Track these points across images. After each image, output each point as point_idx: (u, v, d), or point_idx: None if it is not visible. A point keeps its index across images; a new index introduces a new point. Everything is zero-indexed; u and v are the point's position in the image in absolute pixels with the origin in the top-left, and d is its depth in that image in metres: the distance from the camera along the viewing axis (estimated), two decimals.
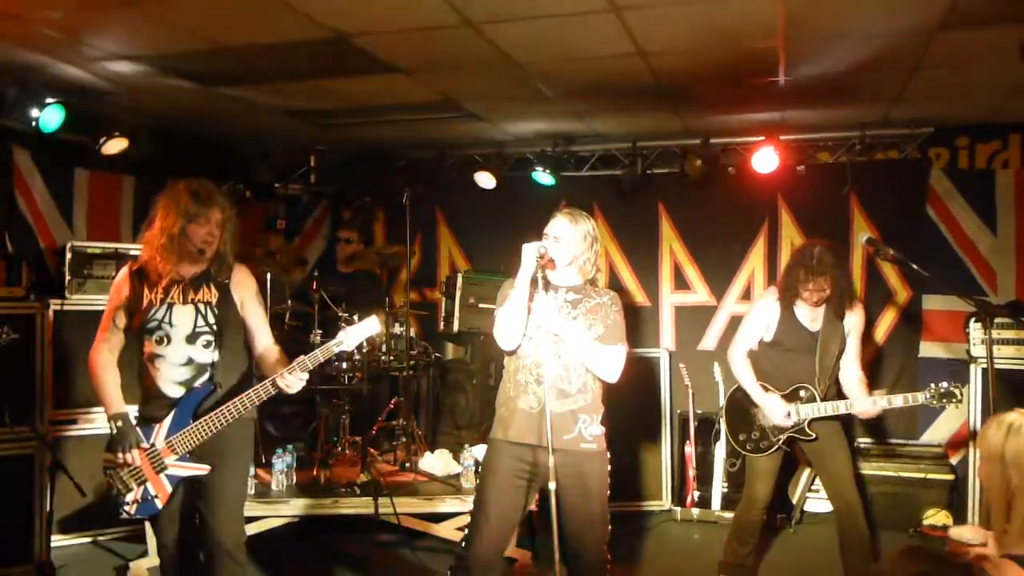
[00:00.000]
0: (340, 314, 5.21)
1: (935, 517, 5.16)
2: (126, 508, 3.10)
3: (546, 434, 2.89)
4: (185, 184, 3.17)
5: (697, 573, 4.54)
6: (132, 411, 3.19)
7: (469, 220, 6.70)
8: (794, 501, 5.40)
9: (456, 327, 5.86)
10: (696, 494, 5.56)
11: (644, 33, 3.79)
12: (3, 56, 4.08)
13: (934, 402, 3.78)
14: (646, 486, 5.73)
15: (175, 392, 3.13)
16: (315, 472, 4.83)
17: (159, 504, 3.10)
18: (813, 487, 5.39)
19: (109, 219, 5.75)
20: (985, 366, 4.64)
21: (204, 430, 3.06)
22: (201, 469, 3.10)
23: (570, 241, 3.19)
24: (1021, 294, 5.41)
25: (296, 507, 4.47)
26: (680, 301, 6.28)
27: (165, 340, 3.13)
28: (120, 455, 3.07)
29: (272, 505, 4.43)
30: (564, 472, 3.01)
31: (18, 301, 4.55)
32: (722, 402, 4.41)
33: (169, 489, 3.10)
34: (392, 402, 5.45)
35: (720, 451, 5.45)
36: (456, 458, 4.91)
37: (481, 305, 5.71)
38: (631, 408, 5.31)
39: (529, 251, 3.07)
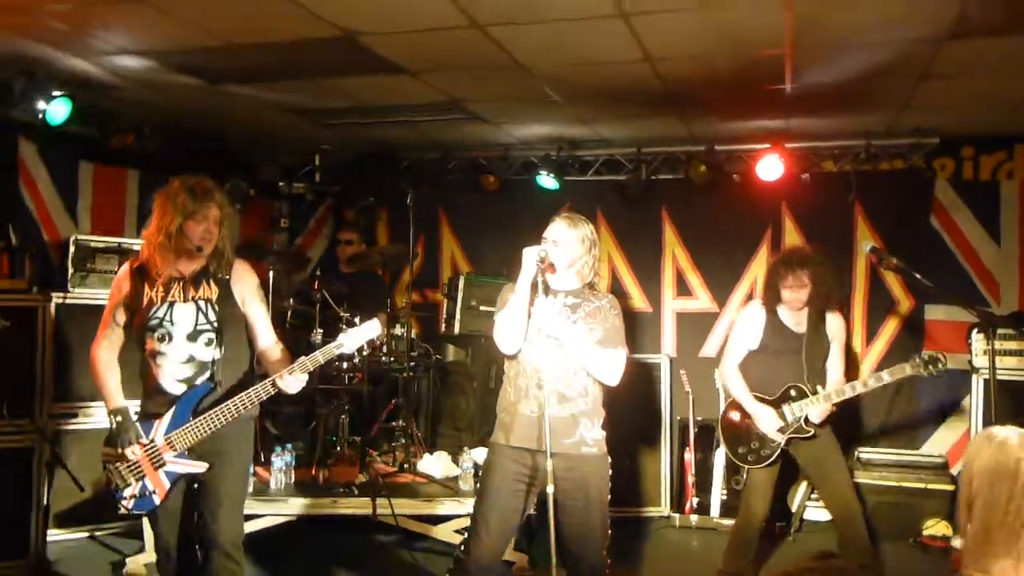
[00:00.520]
0: (342, 314, 5.20)
1: (935, 527, 5.14)
2: (124, 503, 3.10)
3: (546, 438, 2.89)
4: (181, 181, 3.16)
5: None
6: (133, 407, 3.18)
7: (472, 222, 6.70)
8: (793, 509, 5.39)
9: (457, 329, 5.86)
10: (695, 500, 5.55)
11: (651, 39, 3.79)
12: (11, 48, 4.09)
13: (920, 370, 3.81)
14: (645, 492, 5.71)
15: (176, 389, 3.12)
16: (314, 472, 4.82)
17: (157, 500, 3.09)
18: (812, 495, 5.37)
19: (113, 213, 5.76)
20: (987, 377, 4.63)
21: (204, 427, 3.06)
22: (200, 467, 3.09)
23: (568, 245, 3.19)
24: None
25: (294, 506, 4.46)
26: (682, 307, 6.27)
27: (167, 338, 3.12)
28: (119, 450, 3.07)
29: (270, 504, 4.42)
30: (565, 476, 3.01)
31: (21, 293, 4.54)
32: (721, 402, 4.40)
33: (167, 485, 3.09)
34: (392, 403, 5.44)
35: (720, 458, 5.44)
36: (455, 460, 4.91)
37: (483, 307, 5.70)
38: (631, 414, 5.29)
39: (530, 255, 3.08)
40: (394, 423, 5.36)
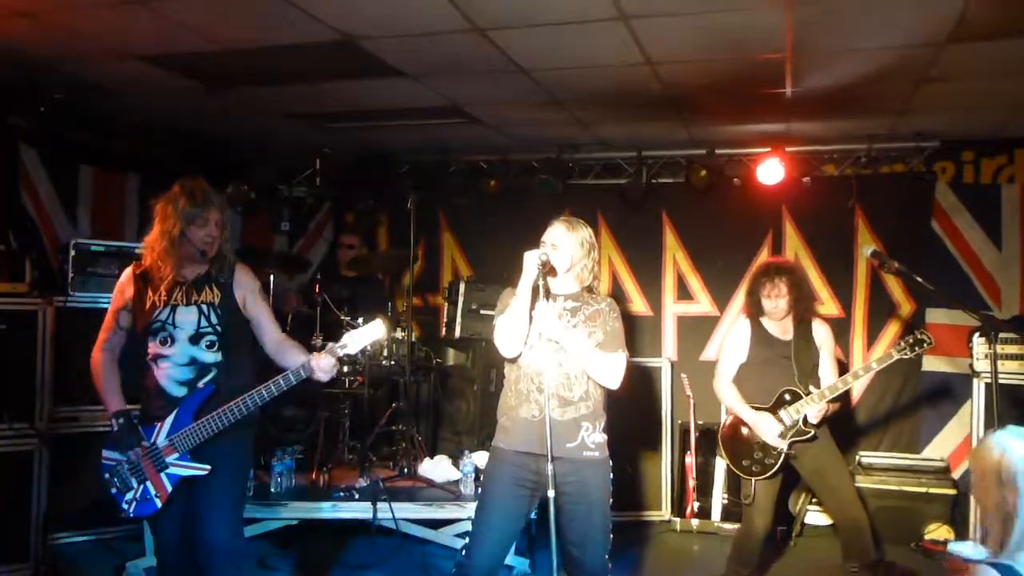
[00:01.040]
0: (342, 318, 5.20)
1: (937, 532, 5.13)
2: (125, 506, 3.09)
3: (547, 442, 2.88)
4: (180, 186, 3.17)
5: None
6: (134, 410, 3.17)
7: (472, 226, 6.70)
8: (794, 514, 5.38)
9: (458, 333, 5.85)
10: (696, 505, 5.54)
11: (652, 42, 3.80)
12: (11, 53, 4.09)
13: (907, 352, 3.88)
14: (646, 496, 5.70)
15: (178, 392, 3.12)
16: (314, 475, 4.81)
17: (158, 503, 3.08)
18: (814, 500, 5.36)
19: (113, 217, 5.77)
20: (988, 381, 4.62)
21: (205, 430, 3.05)
22: (201, 469, 3.08)
23: (568, 248, 3.19)
24: None
25: (294, 510, 4.45)
26: (682, 311, 6.27)
27: (169, 341, 3.13)
28: (121, 453, 3.06)
29: (270, 507, 4.41)
30: (567, 480, 3.00)
31: (21, 297, 4.53)
32: (723, 415, 4.40)
33: (169, 488, 3.08)
34: (392, 407, 5.44)
35: (721, 462, 5.43)
36: (456, 464, 4.90)
37: (483, 311, 5.69)
38: (632, 417, 5.29)
39: (531, 258, 3.07)
40: (395, 427, 5.35)
